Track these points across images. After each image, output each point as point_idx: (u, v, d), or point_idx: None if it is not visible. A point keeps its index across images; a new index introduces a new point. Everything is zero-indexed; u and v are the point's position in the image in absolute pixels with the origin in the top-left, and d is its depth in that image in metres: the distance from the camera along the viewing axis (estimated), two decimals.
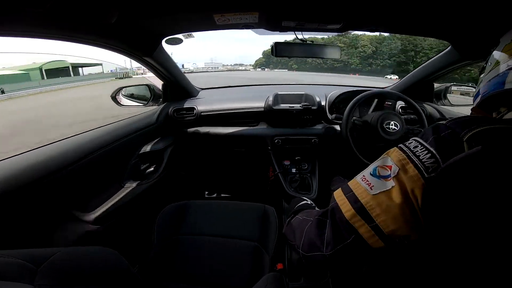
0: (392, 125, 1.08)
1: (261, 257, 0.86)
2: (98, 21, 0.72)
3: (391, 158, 0.46)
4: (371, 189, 0.45)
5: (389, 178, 0.44)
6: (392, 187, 0.43)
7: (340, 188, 0.52)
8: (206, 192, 1.82)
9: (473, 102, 0.58)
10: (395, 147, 0.48)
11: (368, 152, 1.10)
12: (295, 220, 0.64)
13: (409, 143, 0.46)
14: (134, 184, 1.13)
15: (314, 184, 1.31)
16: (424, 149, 0.42)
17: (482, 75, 0.56)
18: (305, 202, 0.78)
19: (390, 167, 0.45)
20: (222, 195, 1.82)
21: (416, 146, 0.44)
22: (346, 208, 0.47)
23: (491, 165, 0.36)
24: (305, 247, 0.54)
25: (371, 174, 0.47)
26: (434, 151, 0.41)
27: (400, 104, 1.43)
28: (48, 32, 0.70)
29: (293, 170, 1.35)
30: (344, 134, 1.11)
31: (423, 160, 0.41)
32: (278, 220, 0.99)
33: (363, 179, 0.48)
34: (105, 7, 0.67)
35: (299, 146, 1.38)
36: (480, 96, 0.54)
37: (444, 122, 0.45)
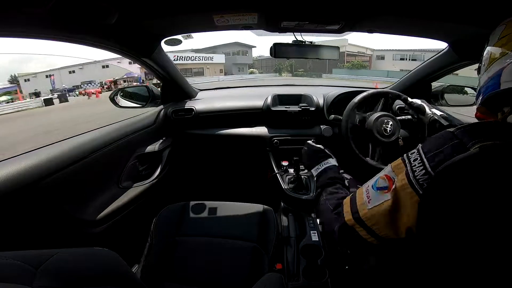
0: (388, 127, 1.09)
1: (260, 257, 0.86)
2: (98, 22, 0.72)
3: (392, 169, 0.50)
4: (369, 203, 0.51)
5: (387, 191, 0.48)
6: (386, 200, 0.48)
7: (349, 196, 0.58)
8: (205, 194, 1.82)
9: (476, 101, 0.58)
10: (400, 158, 0.50)
11: (368, 152, 1.11)
12: (321, 201, 0.71)
13: (411, 154, 0.48)
14: (132, 185, 1.12)
15: (312, 184, 1.32)
16: (421, 164, 0.44)
17: (479, 75, 0.56)
18: (331, 165, 0.80)
19: (389, 178, 0.49)
20: (221, 195, 1.82)
21: (416, 159, 0.46)
22: (348, 217, 0.55)
23: (490, 169, 0.36)
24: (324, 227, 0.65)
25: (372, 186, 0.52)
26: (429, 170, 0.42)
27: (398, 104, 1.44)
28: (48, 33, 0.70)
29: (291, 171, 1.36)
30: (345, 134, 1.12)
31: (417, 177, 0.43)
32: (277, 220, 0.99)
33: (366, 191, 0.53)
34: (105, 8, 0.67)
35: (297, 146, 1.39)
36: (481, 96, 0.54)
37: (452, 130, 0.45)
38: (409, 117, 1.26)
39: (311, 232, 1.13)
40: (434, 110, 1.02)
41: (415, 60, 25.22)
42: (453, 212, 0.39)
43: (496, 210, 0.36)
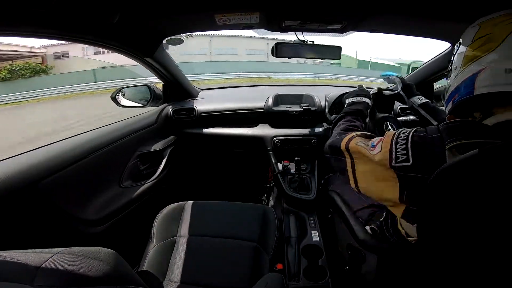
0: (390, 128, 1.08)
1: (261, 257, 0.86)
2: (100, 21, 0.72)
3: (386, 136, 0.53)
4: (357, 144, 0.60)
5: (373, 149, 0.54)
6: (367, 147, 0.56)
7: (357, 136, 0.64)
8: (206, 194, 1.82)
9: (445, 108, 0.58)
10: (394, 131, 0.53)
11: None
12: (339, 123, 0.81)
13: (403, 132, 0.50)
14: (133, 185, 1.13)
15: (313, 184, 1.31)
16: (405, 143, 0.48)
17: (449, 80, 0.56)
18: (360, 100, 0.91)
19: (380, 142, 0.54)
20: (222, 195, 1.82)
21: (403, 138, 0.49)
22: (343, 144, 0.64)
23: (483, 170, 0.37)
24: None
25: (371, 144, 0.57)
26: (409, 149, 0.46)
27: (399, 105, 1.43)
28: (50, 32, 0.70)
29: (293, 171, 1.35)
30: None
31: (397, 150, 0.48)
32: (278, 220, 0.99)
33: (367, 142, 0.58)
34: (107, 7, 0.67)
35: (299, 146, 1.38)
36: (451, 102, 0.53)
37: (439, 125, 0.47)
38: (412, 117, 1.25)
39: (312, 232, 1.12)
40: (415, 99, 1.04)
41: None
42: (453, 212, 0.39)
43: (495, 211, 0.35)
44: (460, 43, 0.53)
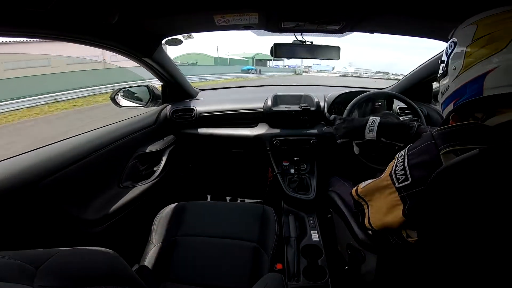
0: None
1: (261, 257, 0.86)
2: (99, 21, 0.72)
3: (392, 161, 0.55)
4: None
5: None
6: (374, 181, 0.58)
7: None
8: (206, 194, 1.82)
9: (442, 110, 0.57)
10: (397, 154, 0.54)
11: (370, 152, 1.11)
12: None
13: (403, 150, 0.52)
14: (132, 185, 1.12)
15: (312, 184, 1.32)
16: (402, 161, 0.49)
17: (446, 81, 0.54)
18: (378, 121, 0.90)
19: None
20: (221, 196, 1.82)
21: (401, 155, 0.51)
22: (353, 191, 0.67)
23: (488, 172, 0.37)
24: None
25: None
26: (406, 167, 0.47)
27: (398, 105, 1.44)
28: (49, 33, 0.70)
29: (292, 171, 1.35)
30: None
31: (396, 172, 0.50)
32: (277, 221, 0.99)
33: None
34: (106, 8, 0.67)
35: (298, 147, 1.39)
36: (451, 104, 0.52)
37: (433, 131, 0.47)
38: (410, 117, 1.26)
39: (312, 232, 1.13)
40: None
41: None
42: (452, 214, 0.39)
43: (495, 210, 0.35)
44: (455, 43, 0.51)
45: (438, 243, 0.43)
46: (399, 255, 0.69)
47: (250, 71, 29.91)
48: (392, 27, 1.02)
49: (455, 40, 0.51)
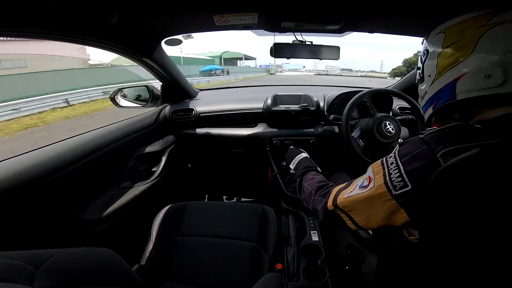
0: (388, 128, 1.09)
1: (260, 257, 0.86)
2: (99, 21, 0.72)
3: (373, 170, 0.53)
4: (347, 194, 0.57)
5: (364, 188, 0.53)
6: (362, 193, 0.53)
7: (340, 186, 0.63)
8: (207, 195, 1.82)
9: (424, 113, 0.59)
10: (379, 160, 0.53)
11: (370, 152, 1.11)
12: (303, 186, 0.80)
13: (389, 157, 0.51)
14: (132, 185, 1.12)
15: None
16: (397, 168, 0.47)
17: (423, 87, 0.57)
18: (303, 158, 0.99)
19: (370, 178, 0.53)
20: (221, 196, 1.82)
21: (392, 163, 0.49)
22: (329, 203, 0.61)
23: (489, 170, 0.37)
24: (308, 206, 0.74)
25: (359, 185, 0.55)
26: (404, 174, 0.46)
27: (398, 104, 1.44)
28: (49, 33, 0.70)
29: (291, 171, 1.35)
30: (345, 134, 1.11)
31: (392, 179, 0.47)
32: (277, 220, 0.99)
33: (354, 188, 0.57)
34: (105, 8, 0.67)
35: (298, 147, 1.39)
36: (431, 107, 0.54)
37: (422, 136, 0.48)
38: (410, 116, 1.26)
39: (311, 232, 1.13)
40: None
41: None
42: (453, 213, 0.39)
43: (494, 210, 0.36)
44: (427, 51, 0.54)
45: (439, 242, 0.43)
46: (400, 255, 0.69)
47: (213, 72, 26.40)
48: (391, 27, 1.02)
49: (427, 47, 0.54)
